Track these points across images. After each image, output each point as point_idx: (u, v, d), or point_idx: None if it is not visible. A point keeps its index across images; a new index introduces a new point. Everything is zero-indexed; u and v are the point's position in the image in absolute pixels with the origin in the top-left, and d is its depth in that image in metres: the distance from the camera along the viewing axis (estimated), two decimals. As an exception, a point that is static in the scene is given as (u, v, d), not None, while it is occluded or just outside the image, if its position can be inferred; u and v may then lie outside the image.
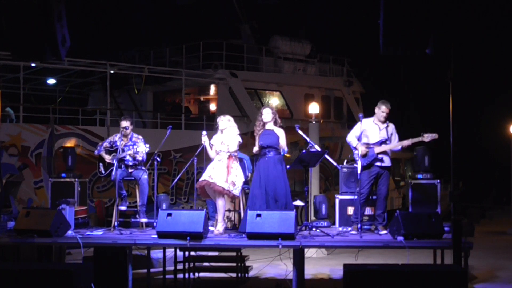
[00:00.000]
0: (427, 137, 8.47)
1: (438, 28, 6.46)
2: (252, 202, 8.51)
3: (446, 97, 7.04)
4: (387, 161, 8.63)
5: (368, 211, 9.14)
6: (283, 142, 8.63)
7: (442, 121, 8.81)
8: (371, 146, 8.59)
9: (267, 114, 8.72)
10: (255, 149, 8.71)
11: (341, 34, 27.98)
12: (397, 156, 23.07)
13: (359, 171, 8.43)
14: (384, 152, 8.59)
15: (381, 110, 8.64)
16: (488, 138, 27.33)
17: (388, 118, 8.75)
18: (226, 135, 8.53)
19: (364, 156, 8.60)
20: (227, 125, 8.57)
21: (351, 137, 8.78)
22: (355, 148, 8.68)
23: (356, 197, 8.90)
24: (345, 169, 9.82)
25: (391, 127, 8.74)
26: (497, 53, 28.12)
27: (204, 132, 8.70)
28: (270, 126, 8.73)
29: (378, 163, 8.57)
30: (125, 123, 9.19)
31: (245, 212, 8.50)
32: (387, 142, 8.60)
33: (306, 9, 27.39)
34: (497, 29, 27.62)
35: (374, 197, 8.84)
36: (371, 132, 8.68)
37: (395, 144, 8.62)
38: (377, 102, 8.73)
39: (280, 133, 8.67)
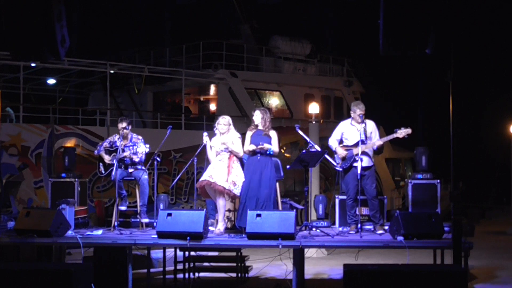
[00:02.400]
0: (401, 133, 8.47)
1: (438, 28, 6.46)
2: (242, 202, 8.46)
3: (446, 97, 7.04)
4: (367, 161, 8.61)
5: (366, 211, 9.13)
6: (274, 144, 8.59)
7: (442, 121, 8.82)
8: (349, 148, 8.63)
9: (256, 117, 8.67)
10: (246, 148, 8.61)
11: (341, 34, 27.98)
12: (397, 156, 23.15)
13: (341, 174, 8.48)
14: (363, 152, 8.58)
15: (357, 113, 8.64)
16: (488, 138, 27.32)
17: (366, 117, 8.72)
18: (226, 137, 8.51)
19: (343, 159, 8.67)
20: (225, 129, 8.56)
21: (332, 141, 8.87)
22: (336, 152, 8.78)
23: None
24: (345, 169, 9.79)
25: (370, 125, 8.71)
26: (497, 53, 28.12)
27: (205, 133, 8.70)
28: (261, 126, 8.69)
29: (356, 164, 8.55)
30: (121, 125, 9.18)
31: (240, 206, 8.46)
32: (365, 142, 8.60)
33: (306, 9, 27.43)
34: (497, 29, 27.62)
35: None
36: (349, 134, 8.72)
37: (371, 143, 8.61)
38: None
39: (273, 135, 8.64)
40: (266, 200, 8.41)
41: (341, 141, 8.82)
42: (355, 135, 8.64)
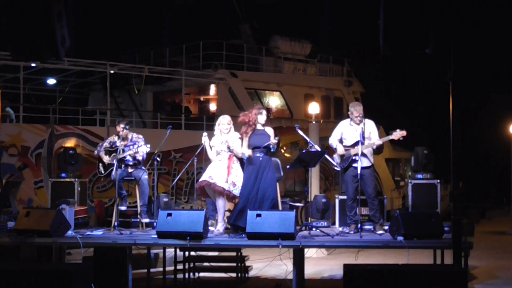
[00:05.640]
0: (396, 135, 8.49)
1: (438, 27, 6.46)
2: (243, 201, 8.41)
3: (446, 97, 7.04)
4: (365, 162, 8.59)
5: (366, 211, 9.12)
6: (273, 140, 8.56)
7: (442, 121, 8.80)
8: (348, 148, 8.64)
9: (261, 117, 8.51)
10: (247, 152, 8.46)
11: (341, 33, 27.97)
12: (397, 156, 23.16)
13: (341, 174, 8.50)
14: (361, 153, 8.58)
15: (354, 115, 8.68)
16: (488, 138, 27.31)
17: (369, 116, 8.73)
18: (227, 137, 8.49)
19: (342, 158, 8.68)
20: (228, 129, 8.54)
21: (333, 140, 8.86)
22: (336, 149, 8.78)
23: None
24: (345, 169, 9.79)
25: (369, 124, 8.69)
26: (497, 53, 28.11)
27: (204, 133, 8.68)
28: (260, 126, 8.68)
29: (355, 165, 8.54)
30: (119, 128, 9.21)
31: (236, 205, 8.40)
32: (363, 142, 8.60)
33: (306, 9, 27.43)
34: (497, 29, 27.62)
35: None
36: (348, 134, 8.72)
37: (369, 144, 8.60)
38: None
39: (271, 132, 8.59)
40: (275, 201, 8.41)
41: (341, 141, 8.82)
42: (353, 135, 8.65)
